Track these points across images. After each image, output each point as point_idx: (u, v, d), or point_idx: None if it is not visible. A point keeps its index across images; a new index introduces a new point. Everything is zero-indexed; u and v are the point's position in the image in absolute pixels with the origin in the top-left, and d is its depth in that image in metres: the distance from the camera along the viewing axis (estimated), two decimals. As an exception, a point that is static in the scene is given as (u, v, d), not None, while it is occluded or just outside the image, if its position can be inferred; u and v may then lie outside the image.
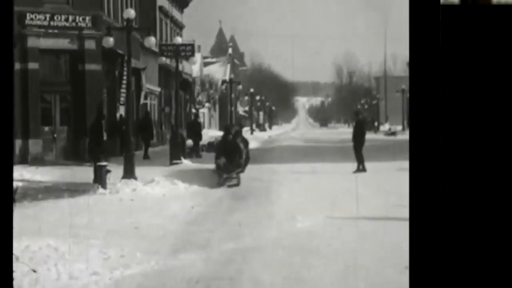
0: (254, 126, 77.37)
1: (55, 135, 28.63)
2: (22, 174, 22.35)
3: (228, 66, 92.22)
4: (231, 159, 20.65)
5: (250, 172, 24.24)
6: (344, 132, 65.73)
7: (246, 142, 23.26)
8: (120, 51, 26.61)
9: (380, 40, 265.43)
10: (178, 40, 30.55)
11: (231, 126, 26.88)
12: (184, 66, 42.30)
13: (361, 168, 23.18)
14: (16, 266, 4.13)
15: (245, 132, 66.42)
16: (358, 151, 23.69)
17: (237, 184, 19.96)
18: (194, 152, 31.91)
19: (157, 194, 18.03)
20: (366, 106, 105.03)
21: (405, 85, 73.23)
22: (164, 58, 33.59)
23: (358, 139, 24.00)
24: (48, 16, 28.17)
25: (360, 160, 23.38)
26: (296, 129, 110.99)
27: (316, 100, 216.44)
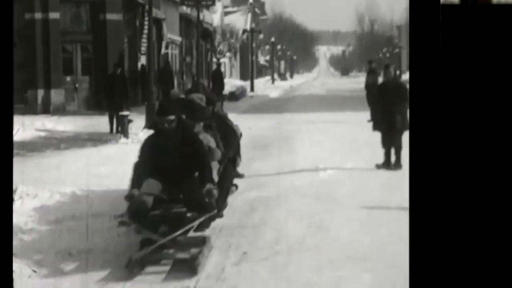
0: (275, 75, 77.08)
1: (76, 85, 28.66)
2: (44, 124, 22.45)
3: (249, 15, 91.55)
4: (175, 186, 7.66)
5: (271, 121, 24.22)
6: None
7: (227, 136, 10.07)
8: (140, 1, 26.47)
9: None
10: (199, -11, 30.33)
11: (171, 105, 8.46)
12: (205, 15, 42.09)
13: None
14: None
15: (267, 81, 66.27)
16: (371, 101, 23.48)
17: (194, 272, 7.13)
18: (216, 102, 31.85)
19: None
20: (387, 55, 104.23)
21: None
22: (185, 8, 33.40)
23: (371, 88, 23.79)
24: (68, -35, 28.03)
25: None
26: (317, 78, 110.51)
27: (337, 49, 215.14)
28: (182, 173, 7.61)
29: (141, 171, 7.74)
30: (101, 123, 21.16)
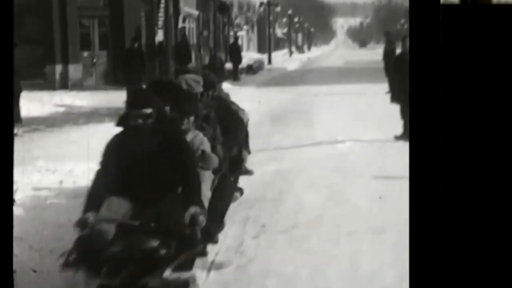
0: (293, 48, 76.79)
1: (94, 60, 28.67)
2: (62, 99, 22.51)
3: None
4: (148, 209, 5.23)
5: (289, 93, 24.18)
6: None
7: (230, 128, 7.72)
8: (157, -26, 26.42)
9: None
10: (215, -39, 30.19)
11: (142, 94, 5.98)
12: (222, -12, 41.92)
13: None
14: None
15: (284, 54, 66.09)
16: (389, 72, 23.33)
17: None
18: (233, 75, 31.83)
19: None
20: (405, 26, 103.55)
21: (446, 4, 71.82)
22: (201, -19, 33.26)
23: (389, 60, 23.62)
24: None
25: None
26: (335, 50, 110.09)
27: (355, 21, 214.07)
28: (159, 189, 5.33)
29: (101, 186, 5.40)
30: (119, 97, 21.16)
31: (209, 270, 6.49)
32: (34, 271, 6.31)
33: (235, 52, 33.05)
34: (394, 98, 13.91)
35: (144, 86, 8.31)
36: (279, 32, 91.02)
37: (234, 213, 8.32)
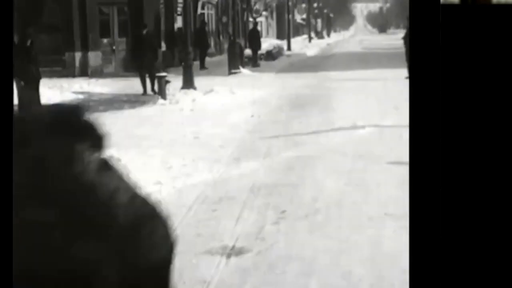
0: (312, 34, 76.59)
1: (114, 47, 28.73)
2: (82, 86, 22.60)
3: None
4: None
5: (309, 79, 24.14)
6: (403, 38, 64.66)
7: None
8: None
9: None
10: None
11: None
12: (240, -26, 41.83)
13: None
14: None
15: (304, 40, 65.90)
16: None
17: None
18: (252, 61, 31.80)
19: (216, 103, 18.04)
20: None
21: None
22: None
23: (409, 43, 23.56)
24: None
25: None
26: (355, 36, 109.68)
27: (375, 6, 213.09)
28: None
29: None
30: (138, 85, 21.25)
31: (229, 256, 6.51)
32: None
33: (254, 38, 33.02)
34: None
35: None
36: (298, 17, 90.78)
37: (253, 200, 8.34)
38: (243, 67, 28.35)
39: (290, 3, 65.28)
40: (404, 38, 23.89)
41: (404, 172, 9.51)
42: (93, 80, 24.95)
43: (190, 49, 22.33)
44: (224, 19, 44.67)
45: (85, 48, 27.72)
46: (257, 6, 58.08)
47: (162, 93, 18.75)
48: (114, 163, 1.50)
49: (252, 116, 15.47)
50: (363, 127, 13.19)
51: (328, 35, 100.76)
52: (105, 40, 28.59)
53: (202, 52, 30.97)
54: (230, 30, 31.45)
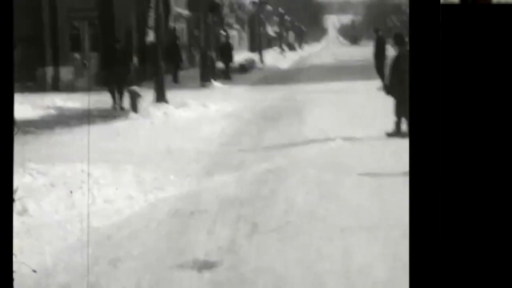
0: (284, 46, 76.77)
1: (85, 62, 28.62)
2: (54, 101, 22.45)
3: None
4: None
5: (281, 92, 24.19)
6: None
7: None
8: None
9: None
10: (205, -39, 30.19)
11: None
12: (212, -13, 41.85)
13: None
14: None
15: (276, 52, 66.03)
16: (380, 70, 23.36)
17: None
18: (224, 74, 31.82)
19: (188, 117, 18.00)
20: (398, 23, 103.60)
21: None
22: (191, -20, 33.24)
23: (379, 57, 23.67)
24: None
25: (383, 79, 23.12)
26: (326, 48, 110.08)
27: (347, 18, 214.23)
28: None
29: None
30: (110, 99, 21.14)
31: (200, 270, 6.49)
32: (34, 271, 6.32)
33: (226, 51, 33.05)
34: (390, 91, 13.76)
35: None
36: (270, 30, 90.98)
37: (225, 213, 8.32)
38: (215, 80, 28.35)
39: (262, 16, 65.41)
40: (375, 54, 23.97)
41: (374, 184, 9.56)
42: (64, 95, 24.81)
43: (162, 62, 22.28)
44: (196, 32, 44.66)
45: (56, 63, 27.59)
46: (229, 20, 58.23)
47: (134, 107, 18.70)
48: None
49: (224, 129, 15.46)
50: (334, 139, 13.23)
51: (300, 47, 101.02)
52: (76, 55, 28.48)
53: (174, 65, 30.92)
54: (202, 43, 31.46)
